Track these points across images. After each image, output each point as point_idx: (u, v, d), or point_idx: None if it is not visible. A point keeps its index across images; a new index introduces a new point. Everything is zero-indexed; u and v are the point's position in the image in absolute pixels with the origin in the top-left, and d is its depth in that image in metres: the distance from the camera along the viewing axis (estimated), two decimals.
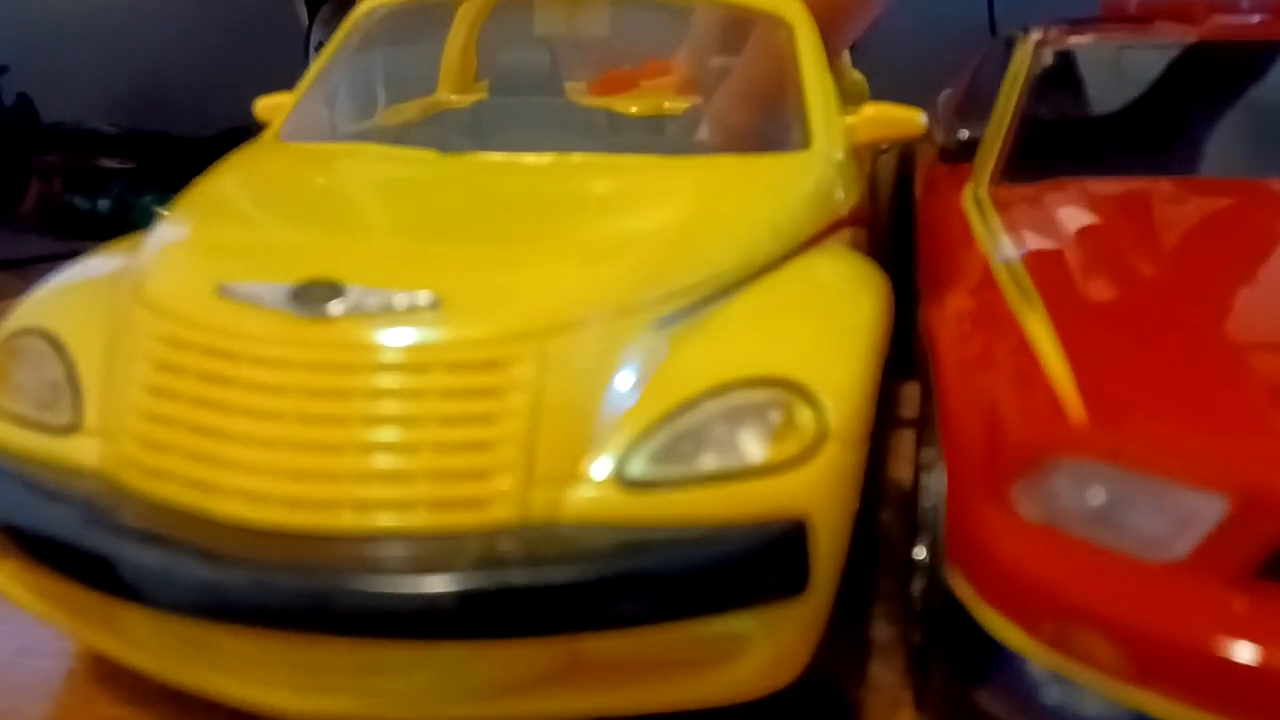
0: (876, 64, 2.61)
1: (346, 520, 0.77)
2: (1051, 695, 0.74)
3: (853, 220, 1.23)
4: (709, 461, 0.80)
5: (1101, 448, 0.71)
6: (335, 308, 0.82)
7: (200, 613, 0.76)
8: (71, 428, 0.86)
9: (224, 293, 0.85)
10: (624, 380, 0.83)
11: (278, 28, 2.90)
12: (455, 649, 0.77)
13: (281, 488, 0.78)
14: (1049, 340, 0.82)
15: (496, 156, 1.14)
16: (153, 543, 0.78)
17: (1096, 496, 0.72)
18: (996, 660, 0.77)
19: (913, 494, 1.01)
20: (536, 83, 1.35)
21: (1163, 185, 1.18)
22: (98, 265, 1.03)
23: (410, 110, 1.51)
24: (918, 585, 0.94)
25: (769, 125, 1.26)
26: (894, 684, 0.98)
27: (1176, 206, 1.12)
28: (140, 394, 0.84)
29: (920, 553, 0.94)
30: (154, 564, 0.77)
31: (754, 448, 0.80)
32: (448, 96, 1.62)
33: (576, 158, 1.13)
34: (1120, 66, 1.44)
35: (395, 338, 0.81)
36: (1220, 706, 0.66)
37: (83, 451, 0.85)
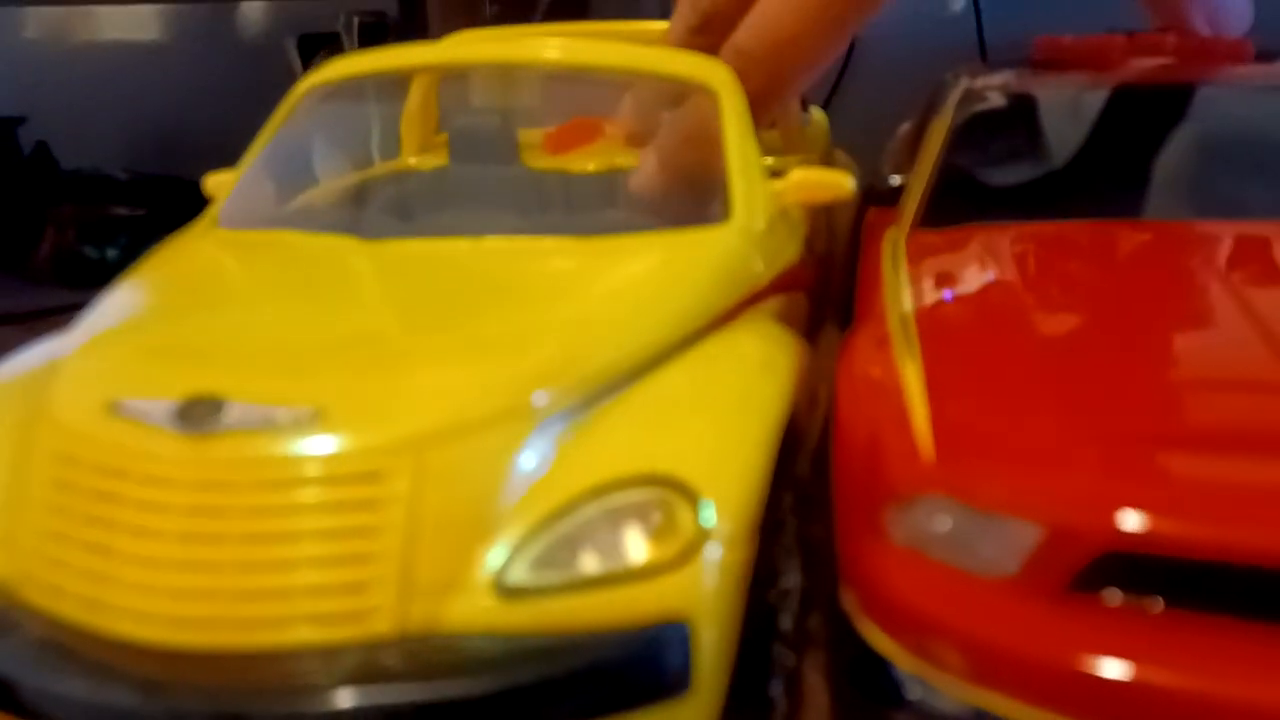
0: (864, 89, 2.72)
1: (227, 638, 0.80)
2: (914, 693, 0.86)
3: (776, 288, 1.24)
4: (589, 565, 0.82)
5: (945, 484, 0.84)
6: (217, 425, 0.83)
7: None
8: None
9: (115, 410, 0.87)
10: (507, 485, 0.84)
11: (289, 76, 3.04)
12: None
13: (166, 607, 0.80)
14: (918, 387, 0.94)
15: (415, 244, 1.16)
16: (42, 664, 0.81)
17: (944, 524, 0.84)
18: (866, 666, 0.90)
19: None
20: (488, 148, 1.39)
21: (1071, 230, 1.27)
22: (25, 361, 1.05)
23: (346, 183, 1.51)
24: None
25: (690, 197, 1.27)
26: None
27: (1077, 252, 1.22)
28: (37, 510, 0.87)
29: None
30: (44, 685, 0.80)
31: (634, 549, 0.82)
32: (392, 165, 1.63)
33: (490, 242, 1.14)
34: (1042, 112, 1.54)
35: (274, 453, 0.82)
36: (1042, 701, 0.78)
37: None
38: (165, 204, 2.89)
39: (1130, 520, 0.75)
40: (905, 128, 2.03)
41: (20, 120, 3.39)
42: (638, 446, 0.88)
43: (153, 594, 0.81)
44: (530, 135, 1.55)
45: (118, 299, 1.12)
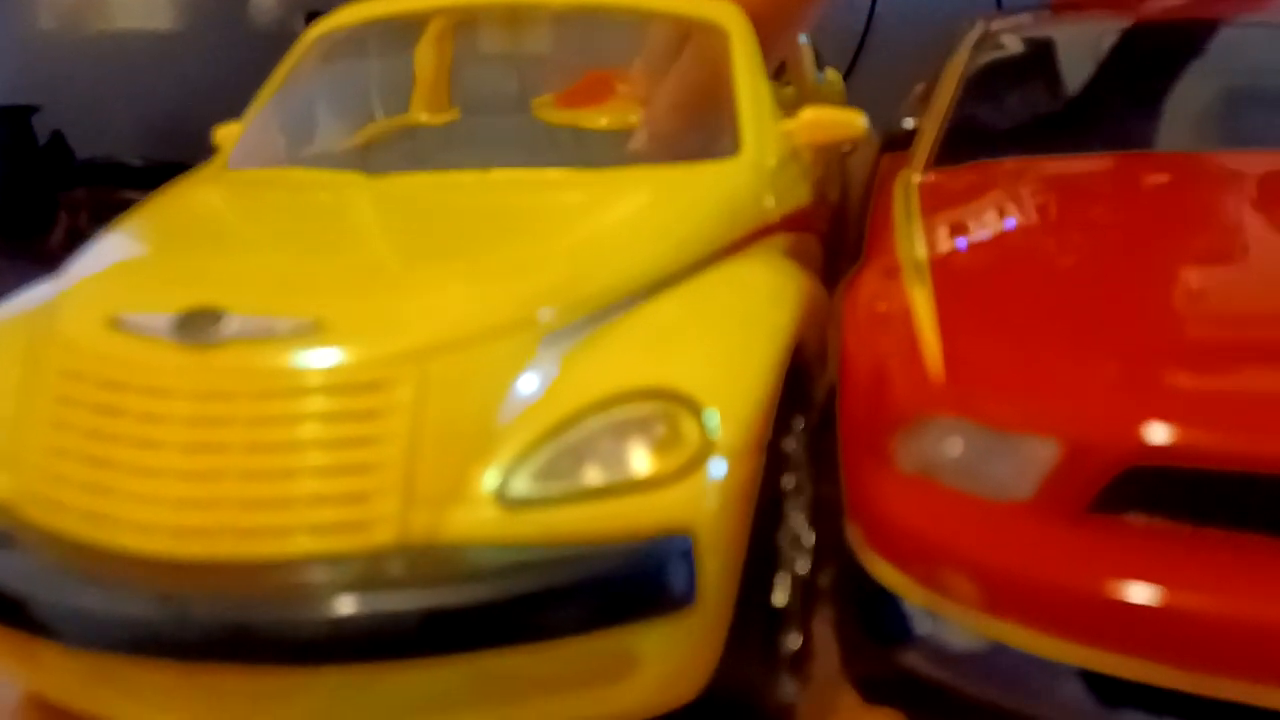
0: (886, 53, 2.68)
1: (230, 548, 0.79)
2: (924, 627, 0.81)
3: (788, 226, 1.23)
4: (592, 477, 0.81)
5: (956, 405, 0.79)
6: (217, 335, 0.82)
7: (89, 644, 0.78)
8: None
9: (116, 324, 0.87)
10: (510, 399, 0.83)
11: None
12: (342, 673, 0.79)
13: (167, 517, 0.79)
14: (928, 313, 0.89)
15: (421, 177, 1.16)
16: (50, 580, 0.80)
17: (955, 448, 0.79)
18: (875, 603, 0.85)
19: None
20: (499, 101, 1.39)
21: (1081, 163, 1.23)
22: (32, 296, 1.05)
23: (362, 135, 1.51)
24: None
25: (700, 133, 1.27)
26: (806, 696, 0.99)
27: (1087, 184, 1.18)
28: (41, 427, 0.86)
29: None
30: (45, 598, 0.79)
31: (638, 461, 0.81)
32: (402, 118, 1.60)
33: (499, 174, 1.13)
34: (1056, 52, 1.50)
35: (274, 362, 0.81)
36: (1063, 631, 0.73)
37: None
38: None
39: (1155, 432, 0.70)
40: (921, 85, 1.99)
41: (35, 109, 3.42)
42: (643, 361, 0.87)
43: (155, 504, 0.80)
44: (542, 99, 1.53)
45: (123, 231, 1.12)
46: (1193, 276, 0.92)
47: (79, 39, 3.65)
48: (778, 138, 1.27)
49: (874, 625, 0.86)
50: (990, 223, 1.08)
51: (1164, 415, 0.70)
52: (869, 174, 1.76)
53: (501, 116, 1.38)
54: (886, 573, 0.83)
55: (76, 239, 2.86)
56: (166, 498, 0.80)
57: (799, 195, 1.31)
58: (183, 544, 0.79)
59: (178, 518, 0.80)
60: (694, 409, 0.82)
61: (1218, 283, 0.90)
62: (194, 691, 0.81)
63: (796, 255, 1.25)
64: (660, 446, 0.81)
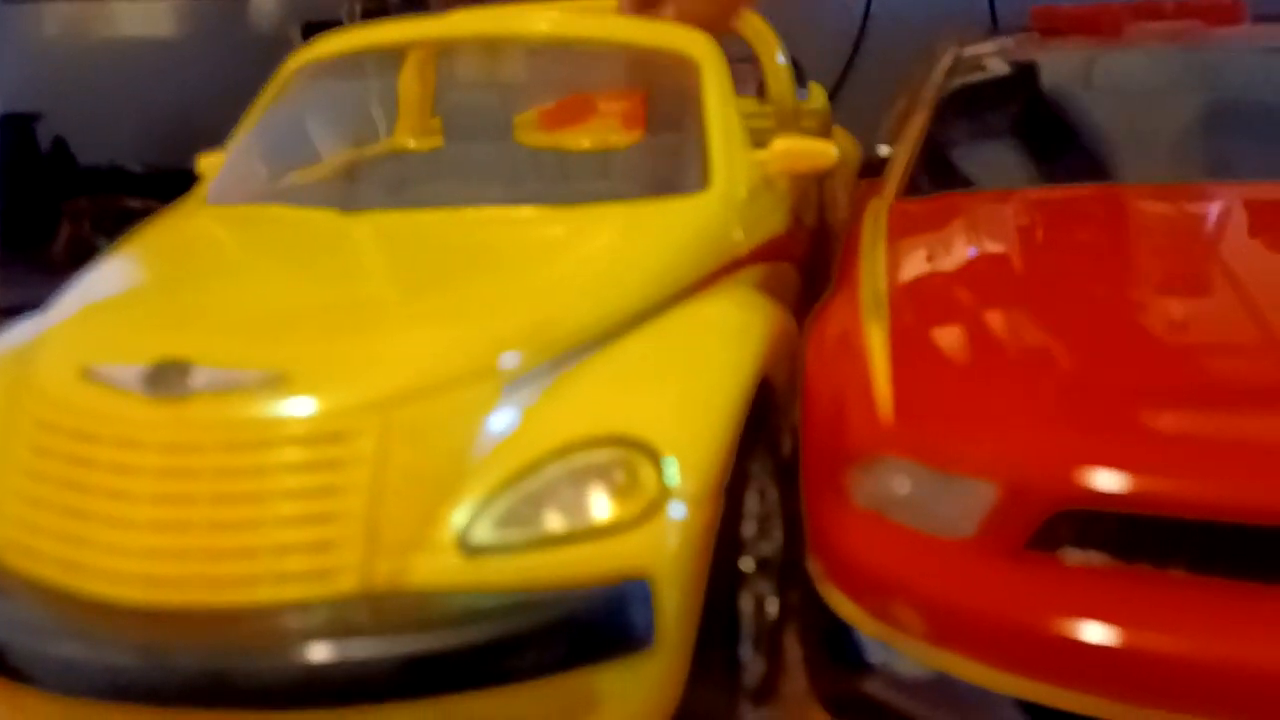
0: (876, 68, 2.69)
1: (199, 597, 0.82)
2: (878, 657, 0.85)
3: (760, 257, 1.25)
4: (552, 523, 0.84)
5: (903, 446, 0.83)
6: (185, 388, 0.85)
7: (68, 690, 0.81)
8: None
9: (88, 375, 0.89)
10: (472, 446, 0.86)
11: None
12: (312, 717, 0.81)
13: (139, 567, 0.82)
14: (882, 349, 0.93)
15: (395, 215, 1.17)
16: (22, 625, 0.83)
17: (904, 486, 0.83)
18: (832, 633, 0.89)
19: None
20: (482, 125, 1.39)
21: (1049, 194, 1.26)
22: (14, 334, 1.07)
23: (337, 161, 1.52)
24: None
25: (669, 166, 1.28)
26: (777, 713, 1.04)
27: (1050, 218, 1.20)
28: (17, 476, 0.89)
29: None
30: (24, 645, 0.82)
31: (597, 508, 0.84)
32: (388, 143, 1.63)
33: (469, 213, 1.16)
34: (1034, 79, 1.52)
35: (241, 415, 0.84)
36: (1003, 663, 0.77)
37: None
38: (179, 195, 2.92)
39: (1085, 477, 0.74)
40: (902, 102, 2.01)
41: (37, 117, 3.45)
42: (602, 408, 0.89)
43: (127, 554, 0.83)
44: (525, 116, 1.56)
45: (102, 272, 1.14)
46: (1142, 317, 0.96)
47: (81, 47, 3.69)
48: (749, 168, 1.28)
49: (836, 652, 0.90)
50: (951, 257, 1.12)
51: (1092, 461, 0.74)
52: (851, 194, 1.77)
53: (484, 141, 1.39)
54: (842, 604, 0.87)
55: (79, 246, 2.93)
56: (138, 548, 0.83)
57: (771, 225, 1.33)
58: (155, 593, 0.82)
59: (149, 567, 0.83)
60: (652, 456, 0.86)
61: (1165, 324, 0.93)
62: None
63: (768, 286, 1.26)
64: (619, 493, 0.85)
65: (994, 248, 1.11)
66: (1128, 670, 0.72)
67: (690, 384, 0.94)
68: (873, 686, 0.89)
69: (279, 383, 0.85)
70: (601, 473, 0.85)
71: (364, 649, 0.80)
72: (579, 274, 1.04)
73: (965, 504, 0.79)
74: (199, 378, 0.86)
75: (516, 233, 1.14)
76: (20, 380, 0.95)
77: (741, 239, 1.22)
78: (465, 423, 0.87)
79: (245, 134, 1.39)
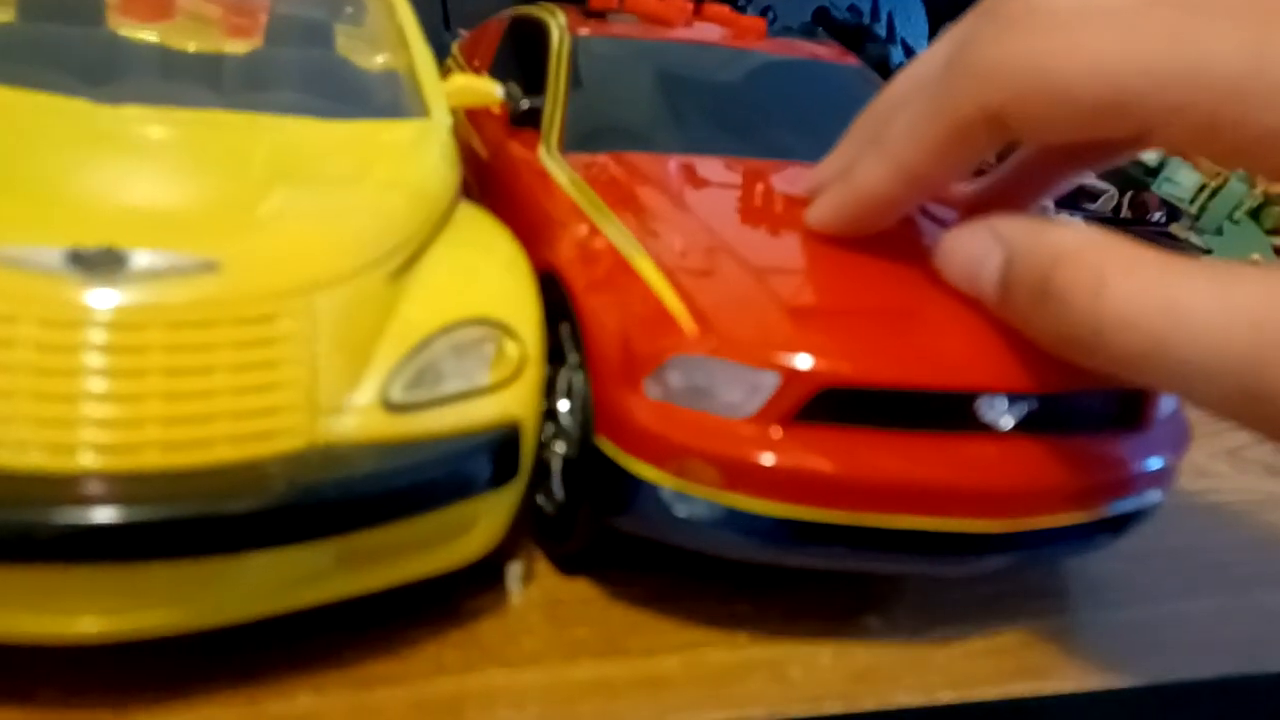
0: None
1: (154, 461, 0.88)
2: (680, 510, 1.14)
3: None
4: (449, 386, 1.05)
5: (705, 348, 1.12)
6: (124, 270, 0.91)
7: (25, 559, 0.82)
8: None
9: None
10: (376, 325, 1.04)
11: None
12: (259, 556, 0.91)
13: (89, 436, 0.86)
14: (658, 277, 1.20)
15: (161, 112, 1.17)
16: None
17: (702, 379, 1.12)
18: (634, 494, 1.16)
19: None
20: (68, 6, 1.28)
21: (681, 161, 1.58)
22: None
23: None
24: (560, 450, 1.29)
25: (388, 91, 1.40)
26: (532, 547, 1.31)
27: (700, 176, 1.53)
28: None
29: (566, 419, 1.28)
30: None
31: (479, 373, 1.07)
32: None
33: (240, 118, 1.21)
34: (625, 59, 1.82)
35: (184, 297, 0.92)
36: (777, 496, 1.10)
37: None
38: None
39: (838, 366, 1.10)
40: (463, 36, 2.23)
41: None
42: (462, 296, 1.12)
43: (67, 426, 0.86)
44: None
45: None
46: (806, 249, 1.31)
47: None
48: (444, 100, 1.44)
49: (608, 504, 1.17)
50: (655, 203, 1.40)
51: (839, 355, 1.10)
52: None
53: (74, 28, 1.26)
54: (644, 470, 1.14)
55: None
56: (83, 418, 0.87)
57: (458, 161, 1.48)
58: (108, 460, 0.87)
59: (99, 436, 0.87)
60: (510, 332, 1.11)
61: (815, 252, 1.29)
62: (114, 587, 0.88)
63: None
64: (494, 361, 1.09)
65: (684, 196, 1.42)
66: (857, 490, 1.09)
67: (512, 272, 1.21)
68: (634, 524, 1.18)
69: (214, 268, 0.95)
70: (477, 345, 1.08)
71: (322, 492, 0.93)
72: (393, 181, 1.21)
73: (752, 390, 1.11)
74: (140, 260, 0.92)
75: (316, 142, 1.23)
76: None
77: (459, 166, 1.40)
78: (369, 305, 1.04)
79: None
